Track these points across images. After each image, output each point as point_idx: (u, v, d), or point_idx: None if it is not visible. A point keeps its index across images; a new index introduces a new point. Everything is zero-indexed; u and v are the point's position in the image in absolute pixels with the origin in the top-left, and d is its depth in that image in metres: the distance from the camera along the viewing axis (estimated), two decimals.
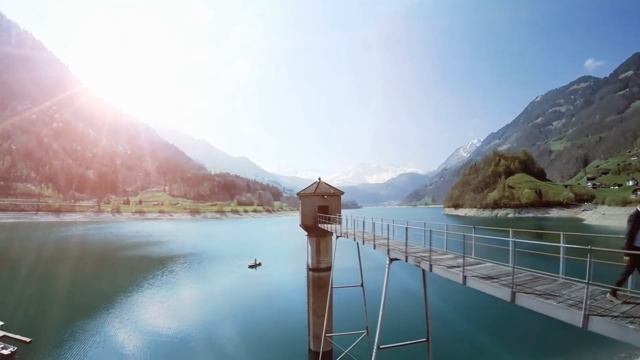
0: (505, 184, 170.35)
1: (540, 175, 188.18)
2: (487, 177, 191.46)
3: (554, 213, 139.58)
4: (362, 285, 18.00)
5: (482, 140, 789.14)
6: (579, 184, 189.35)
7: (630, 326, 4.47)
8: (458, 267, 8.20)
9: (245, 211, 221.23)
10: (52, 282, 36.23)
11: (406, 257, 10.04)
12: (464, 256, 8.04)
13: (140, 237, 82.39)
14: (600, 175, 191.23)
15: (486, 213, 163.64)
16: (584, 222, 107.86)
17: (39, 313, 25.36)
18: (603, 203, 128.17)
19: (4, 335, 19.97)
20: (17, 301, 28.15)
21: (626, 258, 5.63)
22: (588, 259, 5.15)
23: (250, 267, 43.96)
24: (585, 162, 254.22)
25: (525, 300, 6.10)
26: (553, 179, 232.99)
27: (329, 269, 18.29)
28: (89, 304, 28.16)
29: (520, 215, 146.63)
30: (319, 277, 17.96)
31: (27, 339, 19.72)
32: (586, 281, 5.22)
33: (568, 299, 5.72)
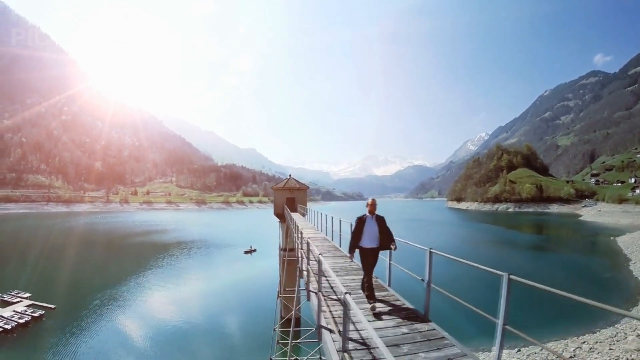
0: (506, 178, 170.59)
1: (543, 170, 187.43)
2: (490, 171, 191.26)
3: (554, 208, 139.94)
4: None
5: (490, 133, 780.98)
6: (584, 179, 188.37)
7: None
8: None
9: (251, 202, 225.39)
10: (66, 263, 40.15)
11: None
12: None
13: (147, 226, 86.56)
14: (605, 172, 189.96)
15: (487, 207, 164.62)
16: (580, 218, 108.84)
17: (58, 288, 29.15)
18: (603, 200, 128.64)
19: (33, 304, 23.98)
20: (37, 278, 32.06)
21: (349, 256, 6.38)
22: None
23: (246, 252, 47.34)
24: (592, 158, 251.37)
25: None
26: (559, 174, 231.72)
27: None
28: (100, 281, 32.01)
29: (520, 210, 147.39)
30: (288, 255, 20.97)
31: (52, 306, 23.64)
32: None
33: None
